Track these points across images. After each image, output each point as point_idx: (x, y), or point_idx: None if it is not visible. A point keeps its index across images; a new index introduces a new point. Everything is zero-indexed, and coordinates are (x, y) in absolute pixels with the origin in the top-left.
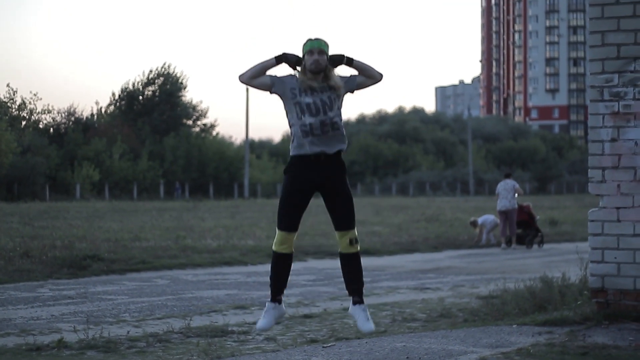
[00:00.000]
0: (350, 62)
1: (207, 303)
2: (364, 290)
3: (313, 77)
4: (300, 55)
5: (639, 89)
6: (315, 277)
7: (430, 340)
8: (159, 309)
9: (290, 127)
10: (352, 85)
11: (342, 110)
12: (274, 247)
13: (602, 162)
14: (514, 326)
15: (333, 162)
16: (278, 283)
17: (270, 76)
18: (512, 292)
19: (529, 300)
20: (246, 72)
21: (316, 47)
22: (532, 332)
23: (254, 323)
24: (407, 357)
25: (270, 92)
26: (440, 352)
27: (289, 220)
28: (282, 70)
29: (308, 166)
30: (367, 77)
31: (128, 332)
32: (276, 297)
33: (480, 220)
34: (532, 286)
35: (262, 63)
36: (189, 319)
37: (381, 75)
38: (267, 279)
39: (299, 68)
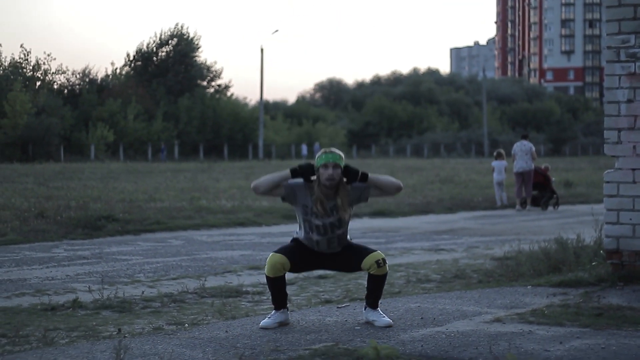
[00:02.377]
0: (364, 178)
1: (221, 264)
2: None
3: (327, 191)
4: (314, 164)
5: None
6: None
7: (444, 301)
8: (173, 269)
9: (298, 217)
10: (365, 197)
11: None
12: (266, 272)
13: (618, 123)
14: (529, 287)
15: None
16: (278, 299)
17: (285, 186)
18: (527, 253)
19: (543, 262)
20: (261, 184)
21: (331, 161)
22: (547, 293)
23: None
24: (422, 318)
25: (283, 201)
26: (455, 312)
27: (287, 250)
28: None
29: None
30: (383, 191)
31: (142, 292)
32: (280, 308)
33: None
34: (547, 247)
35: (277, 175)
36: (203, 279)
37: (397, 190)
38: (282, 239)
39: (313, 178)
